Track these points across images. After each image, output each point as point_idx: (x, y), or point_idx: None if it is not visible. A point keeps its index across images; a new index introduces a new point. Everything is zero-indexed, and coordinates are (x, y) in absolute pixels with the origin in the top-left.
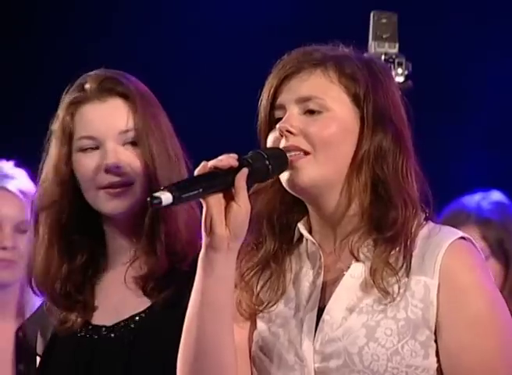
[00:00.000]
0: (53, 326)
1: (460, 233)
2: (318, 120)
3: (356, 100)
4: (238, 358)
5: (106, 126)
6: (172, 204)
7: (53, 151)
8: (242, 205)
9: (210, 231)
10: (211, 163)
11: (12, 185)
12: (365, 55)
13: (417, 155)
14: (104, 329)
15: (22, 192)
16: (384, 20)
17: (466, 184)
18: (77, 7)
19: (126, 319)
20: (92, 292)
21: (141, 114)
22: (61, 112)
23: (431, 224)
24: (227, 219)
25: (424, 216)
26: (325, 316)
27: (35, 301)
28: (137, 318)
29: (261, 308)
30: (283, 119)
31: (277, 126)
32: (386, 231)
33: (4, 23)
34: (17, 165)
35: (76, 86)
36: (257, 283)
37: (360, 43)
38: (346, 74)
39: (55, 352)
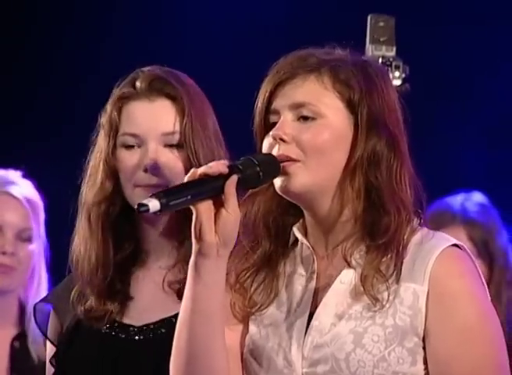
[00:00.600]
0: (76, 314)
1: (453, 241)
2: (311, 127)
3: (350, 106)
4: (230, 361)
5: (150, 126)
6: (160, 211)
7: (101, 144)
8: (232, 212)
9: (199, 238)
10: (201, 170)
11: (17, 191)
12: (362, 57)
13: (413, 158)
14: (131, 329)
15: (27, 200)
16: (381, 23)
17: (464, 186)
18: (76, 12)
19: (156, 323)
20: (131, 286)
21: (188, 117)
22: (109, 106)
23: (424, 230)
24: (217, 226)
25: (418, 221)
26: (314, 321)
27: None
28: (168, 322)
29: (253, 310)
30: (276, 126)
31: (270, 133)
32: (379, 238)
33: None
34: (24, 176)
35: (127, 81)
36: (251, 285)
37: (357, 46)
38: (340, 80)
39: (76, 343)
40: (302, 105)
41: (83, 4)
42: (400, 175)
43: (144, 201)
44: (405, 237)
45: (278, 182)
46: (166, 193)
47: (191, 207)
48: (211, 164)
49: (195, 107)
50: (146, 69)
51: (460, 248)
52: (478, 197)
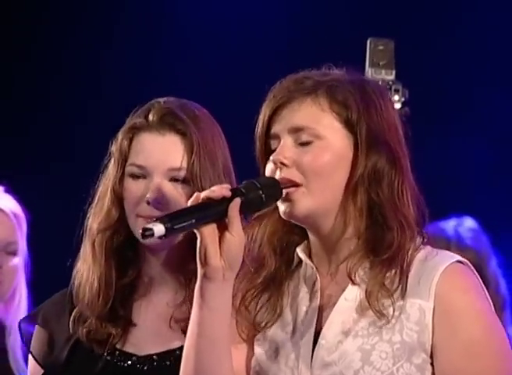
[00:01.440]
0: (74, 335)
1: (457, 257)
2: (310, 150)
3: (348, 126)
4: None
5: (157, 160)
6: (164, 235)
7: (110, 172)
8: (236, 235)
9: (205, 262)
10: (204, 194)
11: (3, 204)
12: (359, 75)
13: (415, 175)
14: (134, 358)
15: (13, 214)
16: (381, 47)
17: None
18: (74, 38)
19: (160, 354)
20: (132, 312)
21: (196, 154)
22: (121, 134)
23: (428, 248)
24: (221, 250)
25: (421, 239)
26: (320, 340)
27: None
28: (172, 356)
29: (258, 328)
30: (276, 151)
31: (271, 158)
32: (382, 254)
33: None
34: (6, 191)
35: (140, 112)
36: (256, 305)
37: (356, 70)
38: (337, 101)
39: (74, 366)
40: (301, 129)
41: (79, 33)
42: (402, 191)
43: (149, 226)
44: (409, 253)
45: (282, 207)
46: (170, 217)
47: (195, 231)
48: (214, 188)
49: (205, 144)
50: (162, 100)
51: (463, 264)
52: (469, 223)
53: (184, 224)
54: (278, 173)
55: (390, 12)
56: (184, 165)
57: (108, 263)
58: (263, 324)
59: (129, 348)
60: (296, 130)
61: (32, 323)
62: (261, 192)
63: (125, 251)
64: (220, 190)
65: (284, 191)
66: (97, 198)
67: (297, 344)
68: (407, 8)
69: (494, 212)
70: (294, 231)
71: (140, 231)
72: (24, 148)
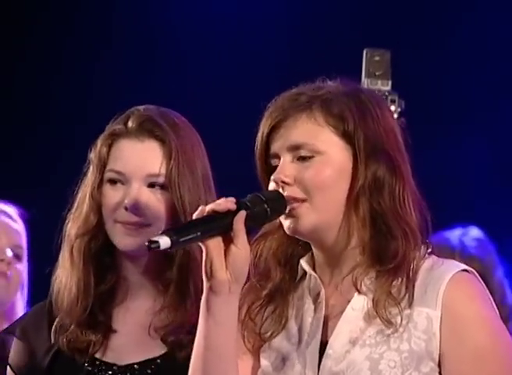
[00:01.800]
0: (54, 345)
1: (463, 266)
2: (310, 166)
3: (346, 137)
4: None
5: (136, 166)
6: (170, 248)
7: (89, 178)
8: (241, 248)
9: (211, 275)
10: (209, 207)
11: (11, 210)
12: (354, 85)
13: (416, 181)
14: (115, 367)
15: (20, 219)
16: (377, 58)
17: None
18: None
19: (142, 362)
20: (112, 320)
21: (175, 161)
22: (100, 141)
23: (434, 257)
24: (227, 263)
25: (426, 249)
26: (328, 350)
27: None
28: (153, 364)
29: (264, 339)
30: (277, 170)
31: (272, 177)
32: (388, 263)
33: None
34: None
35: (120, 118)
36: (262, 316)
37: (353, 80)
38: (332, 114)
39: None
40: (299, 147)
41: (73, 38)
42: (404, 198)
43: (155, 238)
44: (414, 262)
45: (286, 223)
46: (176, 230)
47: (200, 244)
48: (219, 201)
49: (184, 152)
50: (141, 107)
51: (469, 272)
52: (475, 232)
53: (190, 237)
54: (280, 191)
55: (386, 23)
56: (162, 171)
57: (86, 269)
58: (268, 335)
59: (109, 358)
60: (294, 148)
61: (10, 336)
62: (266, 205)
63: (103, 258)
64: (225, 203)
65: (288, 207)
66: (76, 204)
67: (303, 355)
68: (404, 19)
69: (495, 218)
70: (298, 244)
71: (146, 243)
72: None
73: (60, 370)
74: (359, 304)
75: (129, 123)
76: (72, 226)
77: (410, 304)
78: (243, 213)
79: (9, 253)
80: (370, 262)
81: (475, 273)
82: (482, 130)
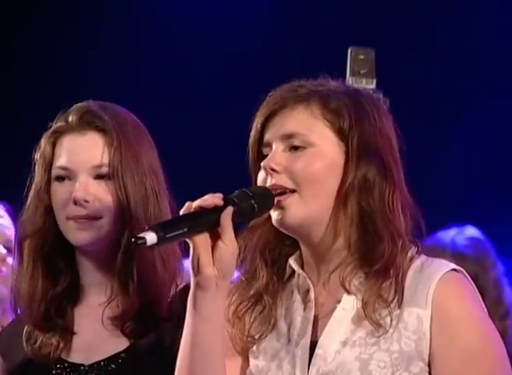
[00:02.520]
0: (26, 354)
1: (452, 266)
2: (301, 157)
3: (340, 134)
4: None
5: (80, 159)
6: (156, 244)
7: (36, 178)
8: (228, 244)
9: (198, 271)
10: (196, 203)
11: (1, 207)
12: (354, 88)
13: (409, 186)
14: (82, 368)
15: (8, 213)
16: (361, 56)
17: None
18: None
19: (107, 359)
20: (71, 321)
21: (118, 150)
22: (43, 140)
23: (423, 257)
24: (214, 259)
25: (416, 249)
26: (317, 350)
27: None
28: (118, 358)
29: (252, 341)
30: (268, 157)
31: (262, 164)
32: (375, 264)
33: None
34: None
35: (61, 116)
36: (250, 317)
37: (337, 79)
38: (330, 109)
39: None
40: (292, 136)
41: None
42: (393, 202)
43: (141, 234)
44: (403, 263)
45: (274, 216)
46: (163, 226)
47: (188, 240)
48: (205, 197)
49: (126, 140)
50: (80, 103)
51: (458, 272)
52: (470, 231)
53: (176, 233)
54: (269, 180)
55: (371, 22)
56: (105, 161)
57: (36, 271)
58: (257, 336)
59: (76, 359)
60: (287, 137)
61: None
62: (253, 201)
63: (55, 259)
64: (212, 199)
65: (276, 199)
66: (26, 206)
67: (293, 355)
68: (388, 18)
69: (487, 217)
70: (286, 243)
71: (133, 239)
72: None
73: None
74: (349, 304)
75: (70, 118)
76: (21, 228)
77: (400, 304)
78: (230, 209)
79: (2, 250)
80: (358, 262)
81: (464, 272)
82: (470, 130)
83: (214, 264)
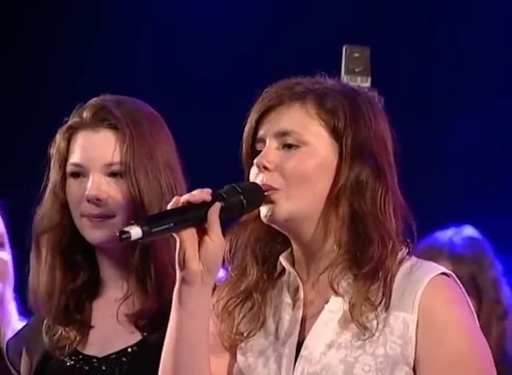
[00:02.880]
0: (45, 346)
1: (442, 269)
2: (294, 155)
3: (335, 134)
4: None
5: (93, 157)
6: (141, 238)
7: (52, 174)
8: (215, 240)
9: (183, 266)
10: (184, 198)
11: None
12: (351, 86)
13: (402, 186)
14: (95, 360)
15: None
16: (356, 54)
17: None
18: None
19: (118, 352)
20: (89, 315)
21: (130, 147)
22: (58, 136)
23: (413, 259)
24: (200, 254)
25: (407, 250)
26: (303, 351)
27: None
28: (130, 351)
29: (240, 338)
30: (261, 154)
31: (255, 161)
32: (364, 267)
33: None
34: None
35: (76, 112)
36: (239, 313)
37: (332, 77)
38: (325, 108)
39: None
40: (286, 133)
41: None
42: (385, 204)
43: (126, 229)
44: (392, 266)
45: (263, 211)
46: (148, 220)
47: (174, 235)
48: (194, 192)
49: (140, 136)
50: (95, 99)
51: (448, 276)
52: (468, 231)
53: (162, 228)
54: (260, 177)
55: (366, 19)
56: (117, 158)
57: (54, 266)
58: (246, 334)
59: (90, 351)
60: (282, 134)
61: (20, 344)
62: (242, 197)
63: (73, 254)
64: (200, 194)
65: (265, 194)
66: (43, 201)
67: (280, 355)
68: (383, 16)
69: (485, 217)
70: (277, 240)
71: (117, 233)
72: None
73: (48, 370)
74: (336, 306)
75: (84, 114)
76: (38, 224)
77: (387, 308)
78: (218, 205)
79: None
80: (347, 263)
81: (454, 276)
82: (468, 129)
83: (200, 259)
